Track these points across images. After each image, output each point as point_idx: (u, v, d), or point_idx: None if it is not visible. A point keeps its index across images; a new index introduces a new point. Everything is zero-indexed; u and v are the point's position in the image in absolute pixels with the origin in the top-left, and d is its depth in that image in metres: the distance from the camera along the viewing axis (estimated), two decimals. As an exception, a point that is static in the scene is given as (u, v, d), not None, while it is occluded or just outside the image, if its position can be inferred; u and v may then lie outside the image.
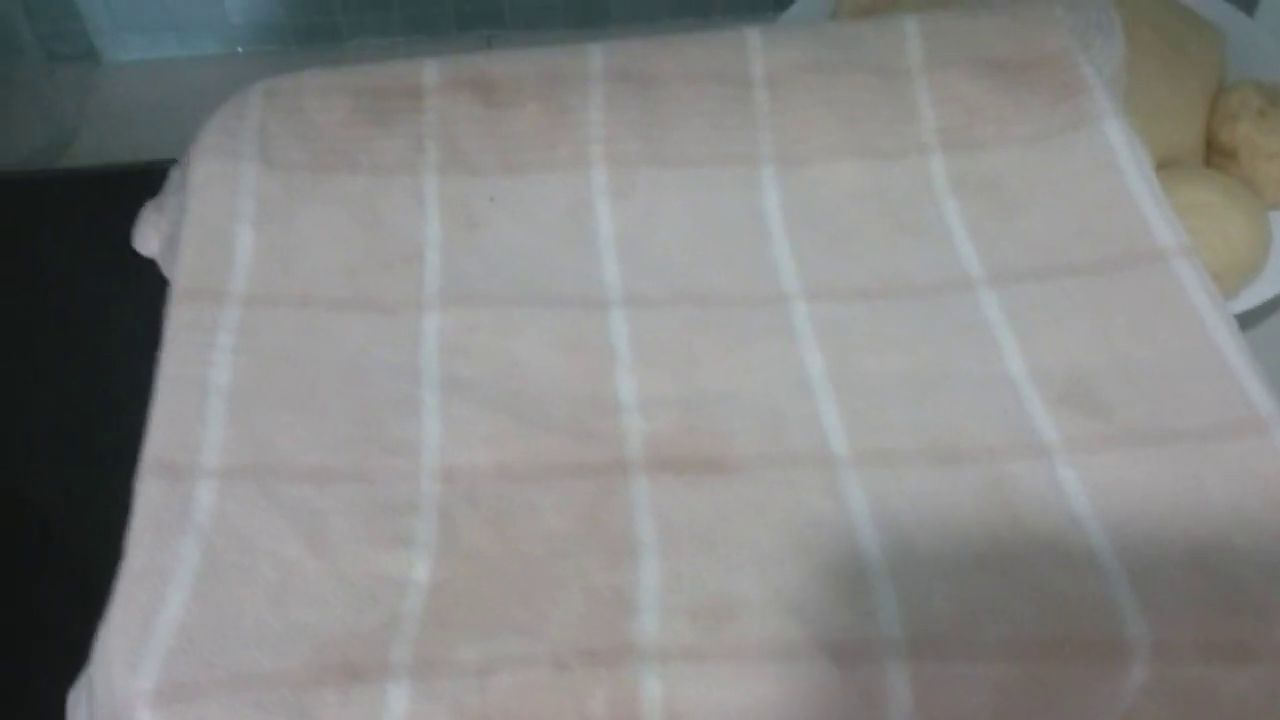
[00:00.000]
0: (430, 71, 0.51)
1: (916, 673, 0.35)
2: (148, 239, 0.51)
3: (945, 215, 0.48)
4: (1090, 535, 0.38)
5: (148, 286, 0.48)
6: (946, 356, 0.44)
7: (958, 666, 0.35)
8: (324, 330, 0.44)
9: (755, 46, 0.51)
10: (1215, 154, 0.62)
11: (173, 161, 0.51)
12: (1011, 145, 0.49)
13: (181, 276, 0.45)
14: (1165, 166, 0.59)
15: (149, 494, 0.39)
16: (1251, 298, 0.56)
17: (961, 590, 0.37)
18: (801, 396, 0.43)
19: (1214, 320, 0.43)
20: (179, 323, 0.43)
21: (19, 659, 0.45)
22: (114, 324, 0.55)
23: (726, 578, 0.38)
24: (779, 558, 0.38)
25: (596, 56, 0.51)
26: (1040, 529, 0.38)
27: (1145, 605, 0.36)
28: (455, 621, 0.37)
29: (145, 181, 0.52)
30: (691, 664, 0.35)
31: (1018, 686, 0.35)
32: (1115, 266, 0.45)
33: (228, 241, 0.46)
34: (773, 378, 0.44)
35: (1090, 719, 0.36)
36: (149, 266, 0.51)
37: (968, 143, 0.49)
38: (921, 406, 0.42)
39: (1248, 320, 0.57)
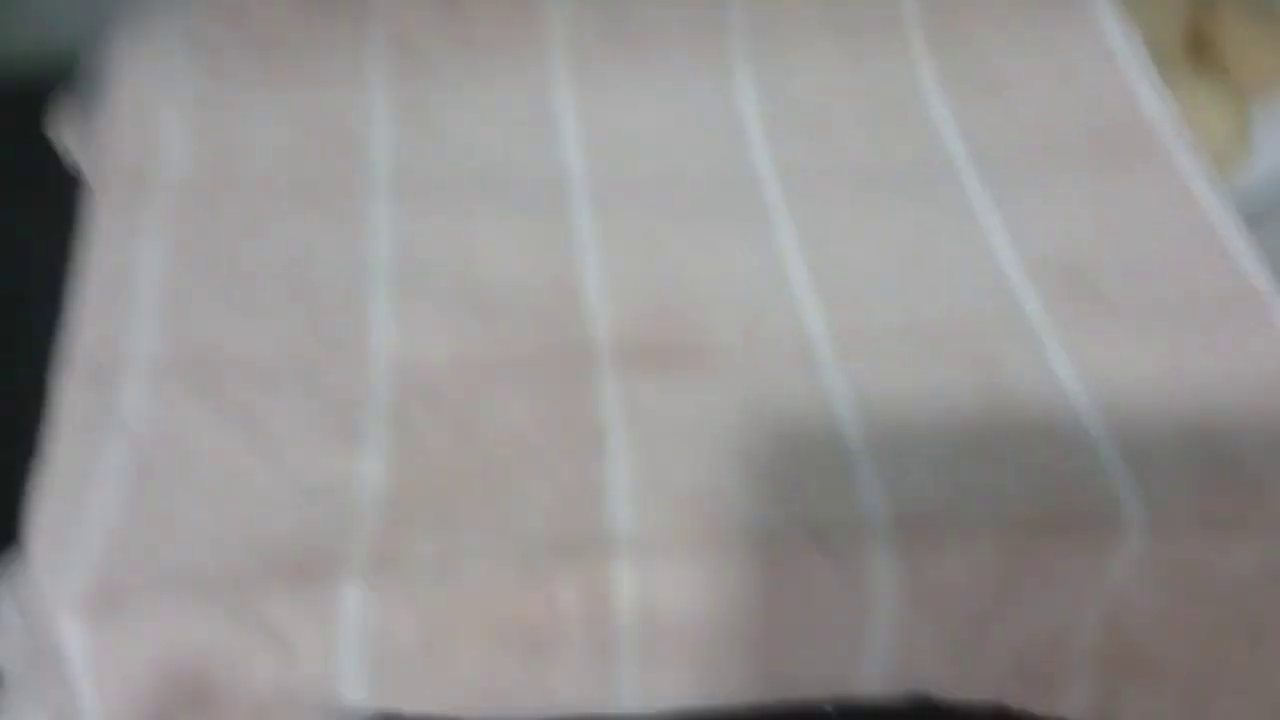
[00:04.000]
0: None
1: (901, 553, 0.33)
2: (65, 131, 0.47)
3: (928, 99, 0.45)
4: (1082, 413, 0.36)
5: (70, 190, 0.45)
6: (930, 239, 0.41)
7: (944, 545, 0.33)
8: (265, 221, 0.41)
9: None
10: (1194, 41, 0.60)
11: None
12: (998, 27, 0.47)
13: (105, 164, 0.41)
14: (1145, 56, 0.57)
15: (70, 394, 0.36)
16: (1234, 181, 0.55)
17: (948, 471, 0.35)
18: (778, 284, 0.41)
19: (1208, 197, 0.41)
20: (103, 214, 0.40)
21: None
22: (34, 229, 0.51)
23: (700, 465, 0.36)
24: (754, 443, 0.36)
25: None
26: (1030, 408, 0.36)
27: (1139, 480, 0.34)
28: (413, 518, 0.35)
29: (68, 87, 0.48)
30: (666, 550, 0.33)
31: (1007, 564, 0.33)
32: (1107, 145, 0.43)
33: (156, 129, 0.43)
34: (748, 266, 0.41)
35: (1082, 597, 0.34)
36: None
37: (953, 25, 0.47)
38: (904, 289, 0.40)
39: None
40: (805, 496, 0.35)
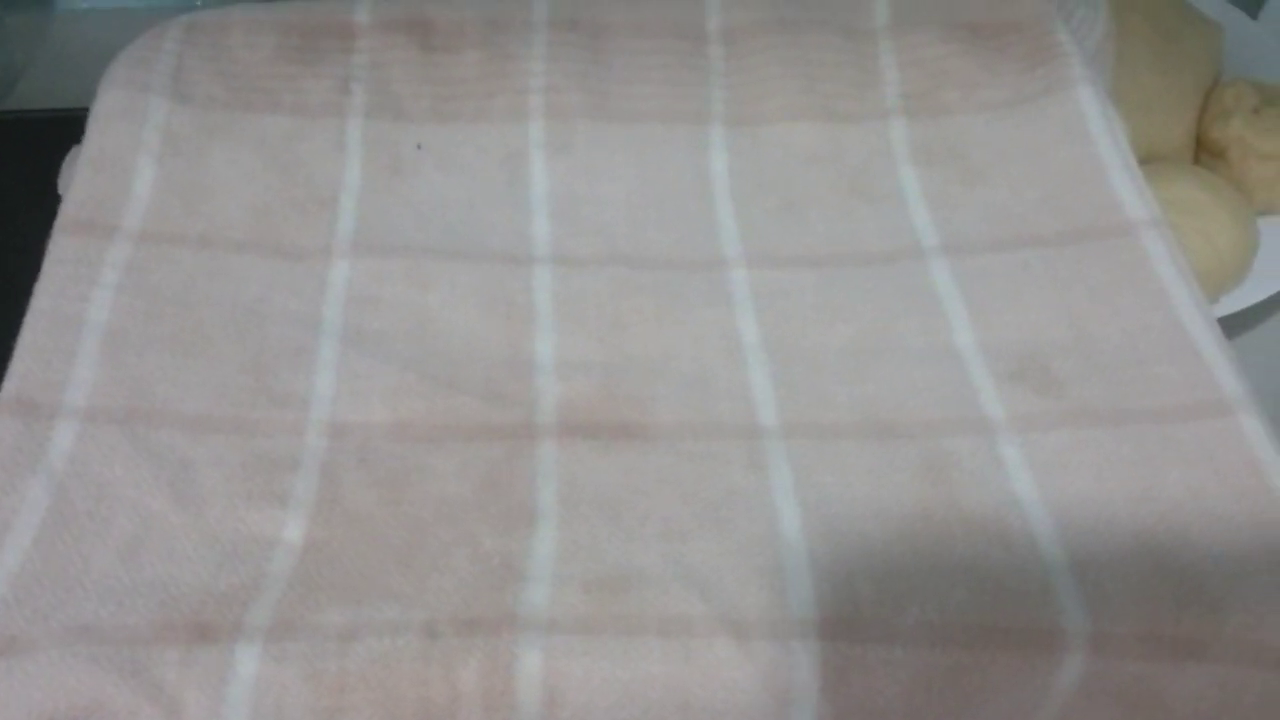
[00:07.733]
0: (363, 11, 0.48)
1: (825, 655, 0.31)
2: (62, 175, 0.48)
3: (903, 182, 0.44)
4: (1031, 518, 0.34)
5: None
6: (891, 328, 0.40)
7: (873, 650, 0.31)
8: (222, 273, 0.41)
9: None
10: (1204, 152, 0.58)
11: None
12: (978, 111, 0.46)
13: (70, 206, 0.41)
14: (1150, 161, 0.55)
15: (1, 433, 0.36)
16: (1233, 303, 0.53)
17: (885, 571, 0.33)
18: (733, 365, 0.39)
19: (1181, 296, 0.39)
20: (60, 255, 0.40)
21: None
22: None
23: (626, 549, 0.34)
24: (687, 530, 0.35)
25: (543, 2, 0.48)
26: (977, 510, 0.35)
27: (1086, 594, 0.32)
28: (324, 584, 0.33)
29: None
30: (577, 636, 0.32)
31: (939, 675, 0.31)
32: (1080, 238, 0.41)
33: (126, 174, 0.43)
34: (704, 345, 0.40)
35: (1021, 716, 0.32)
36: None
37: (933, 108, 0.46)
38: (860, 378, 0.39)
39: (1229, 327, 0.53)
40: (731, 589, 0.33)
